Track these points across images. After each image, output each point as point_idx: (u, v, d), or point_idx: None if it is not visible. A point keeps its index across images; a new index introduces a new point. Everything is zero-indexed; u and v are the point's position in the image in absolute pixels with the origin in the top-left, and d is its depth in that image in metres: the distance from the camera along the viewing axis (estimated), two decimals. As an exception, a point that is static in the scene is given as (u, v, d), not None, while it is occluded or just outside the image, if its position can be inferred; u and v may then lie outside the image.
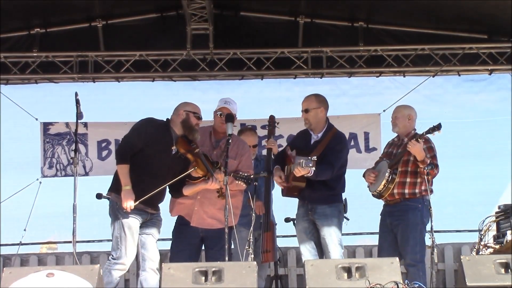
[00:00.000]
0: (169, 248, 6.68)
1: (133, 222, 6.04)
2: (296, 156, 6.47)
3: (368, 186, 6.84)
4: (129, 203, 5.95)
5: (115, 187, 6.13)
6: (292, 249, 8.67)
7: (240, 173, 6.19)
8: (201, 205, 6.43)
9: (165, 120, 6.32)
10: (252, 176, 6.33)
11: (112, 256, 6.05)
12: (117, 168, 6.07)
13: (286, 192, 6.69)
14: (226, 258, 5.83)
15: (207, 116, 6.71)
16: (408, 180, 6.65)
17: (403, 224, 6.60)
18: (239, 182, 6.14)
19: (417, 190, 6.64)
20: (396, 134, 6.96)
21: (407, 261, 6.55)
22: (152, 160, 6.10)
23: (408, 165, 6.65)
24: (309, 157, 6.11)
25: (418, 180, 6.62)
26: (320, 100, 6.69)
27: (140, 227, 6.13)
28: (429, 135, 6.52)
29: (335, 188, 6.59)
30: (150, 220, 6.21)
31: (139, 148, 6.09)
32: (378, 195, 6.74)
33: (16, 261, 8.78)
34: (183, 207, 6.50)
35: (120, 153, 6.13)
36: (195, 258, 6.50)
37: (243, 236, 6.47)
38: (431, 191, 6.55)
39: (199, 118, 6.30)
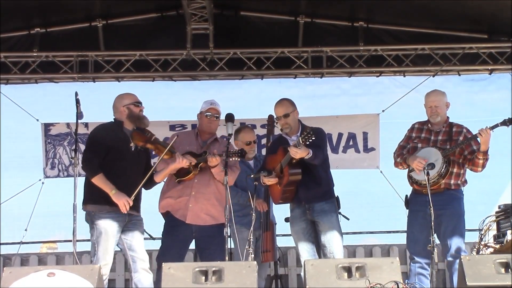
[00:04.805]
0: (155, 248, 6.69)
1: (109, 227, 6.06)
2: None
3: (411, 172, 6.54)
4: (125, 203, 5.99)
5: (89, 197, 6.15)
6: (292, 249, 8.66)
7: (231, 150, 6.18)
8: (197, 201, 6.45)
9: (113, 121, 6.35)
10: (244, 153, 6.30)
11: (91, 261, 6.10)
12: (94, 181, 6.05)
13: (280, 198, 6.61)
14: (226, 258, 5.84)
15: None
16: (455, 170, 6.51)
17: (449, 214, 6.41)
18: (234, 158, 6.13)
19: (459, 181, 6.55)
20: (415, 120, 6.84)
21: (452, 253, 6.36)
22: (117, 163, 6.13)
23: (454, 155, 6.51)
24: (299, 135, 6.07)
25: (462, 171, 6.54)
26: (292, 103, 6.67)
27: (122, 231, 6.14)
28: (504, 127, 6.32)
29: (327, 184, 6.62)
30: (130, 222, 6.19)
31: (103, 154, 6.10)
32: (419, 184, 6.46)
33: (16, 260, 8.78)
34: (176, 205, 6.49)
35: (89, 167, 6.10)
36: (183, 257, 6.53)
37: (244, 236, 6.47)
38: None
39: (139, 104, 6.33)
